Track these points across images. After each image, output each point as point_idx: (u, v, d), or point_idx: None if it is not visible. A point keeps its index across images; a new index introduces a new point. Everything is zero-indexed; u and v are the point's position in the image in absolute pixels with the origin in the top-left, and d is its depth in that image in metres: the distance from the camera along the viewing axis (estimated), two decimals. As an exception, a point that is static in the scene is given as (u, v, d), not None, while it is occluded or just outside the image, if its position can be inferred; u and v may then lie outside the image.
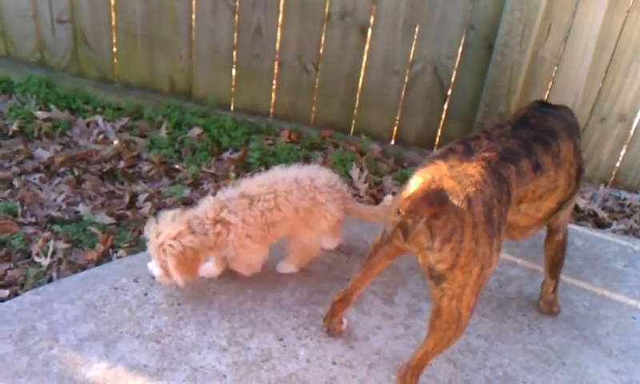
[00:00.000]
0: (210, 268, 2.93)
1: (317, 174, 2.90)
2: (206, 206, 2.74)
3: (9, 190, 3.41)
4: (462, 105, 3.87)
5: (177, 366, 2.55)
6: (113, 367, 2.52)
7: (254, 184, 2.80)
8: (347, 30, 3.76)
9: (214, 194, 2.81)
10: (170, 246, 2.61)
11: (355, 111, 4.02)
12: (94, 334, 2.60)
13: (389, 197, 3.16)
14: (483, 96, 3.76)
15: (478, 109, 3.80)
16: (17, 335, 2.55)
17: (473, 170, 2.12)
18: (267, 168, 3.72)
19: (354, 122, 4.06)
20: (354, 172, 3.79)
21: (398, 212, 2.00)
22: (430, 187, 2.05)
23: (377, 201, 3.64)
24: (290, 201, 2.77)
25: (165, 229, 2.65)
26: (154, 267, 2.73)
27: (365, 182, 3.74)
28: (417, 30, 3.71)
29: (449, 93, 3.87)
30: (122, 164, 3.67)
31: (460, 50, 3.74)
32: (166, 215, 2.71)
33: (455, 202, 2.03)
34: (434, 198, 2.02)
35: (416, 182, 2.10)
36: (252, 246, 2.77)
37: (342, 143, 4.00)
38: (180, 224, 2.66)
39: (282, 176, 2.85)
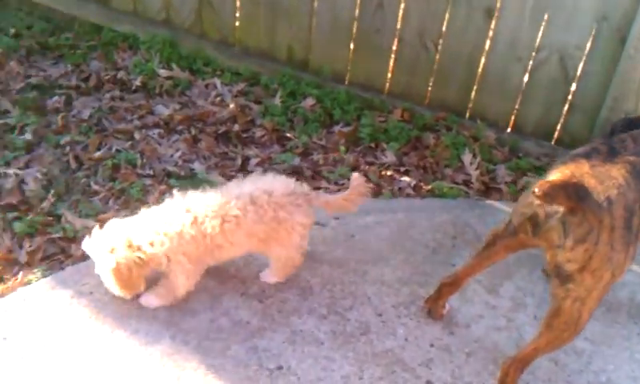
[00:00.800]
0: (148, 299, 2.64)
1: (272, 186, 2.60)
2: (150, 216, 2.53)
3: (130, 142, 3.56)
4: (587, 98, 3.68)
5: (277, 327, 2.60)
6: (216, 320, 2.60)
7: (202, 201, 2.53)
8: (472, 11, 3.65)
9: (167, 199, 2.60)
10: (105, 260, 2.46)
11: (472, 95, 3.91)
12: (203, 287, 2.68)
13: (356, 174, 2.79)
14: (610, 91, 3.56)
15: (604, 104, 3.60)
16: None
17: (617, 172, 2.00)
18: (377, 145, 3.72)
19: (470, 106, 3.95)
20: (467, 157, 3.70)
21: (534, 192, 1.91)
22: (571, 180, 1.96)
23: (487, 189, 3.55)
24: (242, 226, 2.52)
25: (105, 239, 2.47)
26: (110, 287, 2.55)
27: (477, 169, 3.64)
28: (545, 16, 3.55)
29: (573, 84, 3.68)
30: (236, 127, 3.75)
31: (590, 40, 3.55)
32: (112, 223, 2.53)
33: (595, 201, 1.93)
34: (573, 192, 1.92)
35: (555, 176, 2.02)
36: (184, 266, 2.52)
37: (455, 127, 3.91)
38: (117, 237, 2.46)
39: (235, 194, 2.55)
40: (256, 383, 2.40)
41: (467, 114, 3.97)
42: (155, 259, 2.48)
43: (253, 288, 2.75)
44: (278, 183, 2.62)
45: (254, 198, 2.52)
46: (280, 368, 2.45)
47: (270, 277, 2.78)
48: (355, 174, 2.78)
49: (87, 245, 2.49)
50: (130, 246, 2.44)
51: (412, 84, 3.99)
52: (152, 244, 2.45)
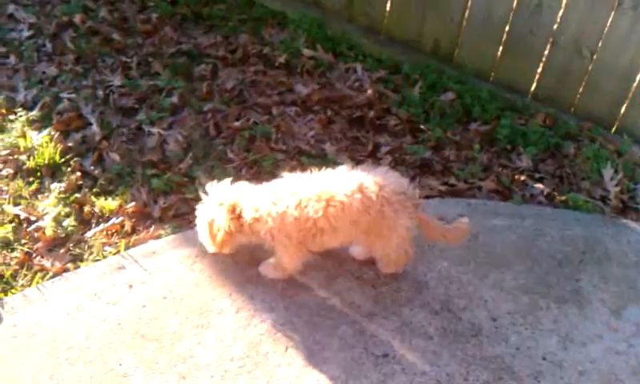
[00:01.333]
0: (264, 268, 2.74)
1: (385, 181, 2.51)
2: (264, 192, 2.56)
3: (267, 117, 3.67)
4: None
5: (388, 315, 2.59)
6: (329, 299, 2.63)
7: (309, 184, 2.51)
8: (637, 22, 3.40)
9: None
10: (205, 210, 2.59)
11: (623, 109, 3.66)
12: (321, 265, 2.74)
13: (465, 219, 2.66)
14: None
15: None
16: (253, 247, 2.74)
17: None
18: (514, 148, 3.59)
19: (618, 119, 3.70)
20: (607, 172, 3.47)
21: None
22: None
23: (625, 208, 3.32)
24: (347, 213, 2.47)
25: (218, 193, 2.58)
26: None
27: (616, 185, 3.41)
28: None
29: None
30: (371, 114, 3.75)
31: None
32: (235, 184, 2.62)
33: None
34: None
35: None
36: (288, 246, 2.54)
37: (600, 139, 3.68)
38: (228, 197, 2.55)
39: (345, 180, 2.51)
40: (360, 366, 2.40)
41: (614, 128, 3.73)
42: (248, 233, 2.54)
43: (369, 273, 2.75)
44: (391, 179, 2.56)
45: (362, 187, 2.48)
46: (386, 356, 2.44)
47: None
48: (464, 219, 2.67)
49: (208, 190, 2.61)
50: (232, 211, 2.52)
51: (559, 90, 3.79)
52: (255, 219, 2.50)
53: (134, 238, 2.91)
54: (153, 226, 2.97)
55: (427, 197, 3.21)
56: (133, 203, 3.07)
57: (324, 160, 3.37)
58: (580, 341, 2.58)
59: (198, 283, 2.66)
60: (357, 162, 3.38)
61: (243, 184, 2.62)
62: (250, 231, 2.54)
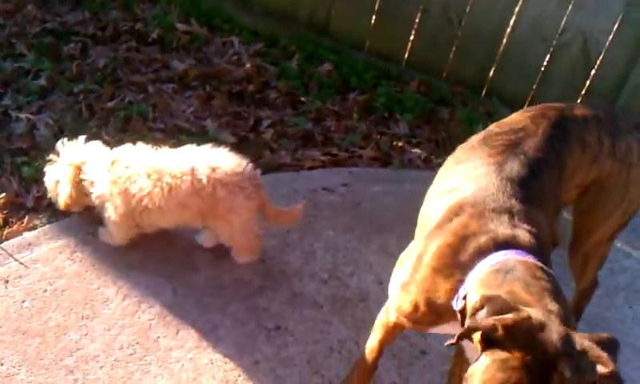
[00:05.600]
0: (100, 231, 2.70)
1: (220, 162, 2.47)
2: (112, 156, 2.55)
3: (143, 95, 3.55)
4: (607, 84, 3.62)
5: (278, 288, 2.62)
6: (218, 277, 2.62)
7: (145, 160, 2.49)
8: (501, -13, 3.58)
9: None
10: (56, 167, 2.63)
11: (491, 72, 3.85)
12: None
13: (299, 206, 2.64)
14: (631, 78, 3.51)
15: (623, 90, 3.56)
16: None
17: None
18: (391, 115, 3.69)
19: (488, 82, 3.90)
20: (479, 134, 3.66)
21: None
22: None
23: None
24: (174, 196, 2.42)
25: (70, 153, 2.61)
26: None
27: (489, 147, 3.60)
28: (575, -3, 3.48)
29: (594, 69, 3.62)
30: (250, 88, 3.72)
31: (616, 25, 3.48)
32: (89, 144, 2.65)
33: None
34: None
35: None
36: (114, 216, 2.52)
37: (471, 103, 3.87)
38: (76, 157, 2.59)
39: (179, 159, 2.47)
40: (253, 341, 2.42)
41: (484, 91, 3.92)
42: (87, 196, 2.58)
43: (256, 248, 2.76)
44: (228, 160, 2.49)
45: (194, 169, 2.42)
46: (278, 328, 2.47)
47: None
48: (299, 205, 2.64)
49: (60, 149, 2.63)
50: (76, 174, 2.56)
51: (431, 56, 3.93)
52: (90, 183, 2.55)
53: (6, 230, 2.74)
54: (27, 217, 2.81)
55: (310, 168, 3.25)
56: (3, 194, 2.88)
57: (205, 137, 3.31)
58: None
59: (79, 273, 2.56)
60: (239, 138, 3.36)
61: (96, 145, 2.63)
62: (86, 194, 2.57)
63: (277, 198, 2.98)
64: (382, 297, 2.63)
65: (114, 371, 2.27)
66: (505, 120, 2.16)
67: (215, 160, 2.46)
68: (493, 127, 2.13)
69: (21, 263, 2.57)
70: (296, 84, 3.80)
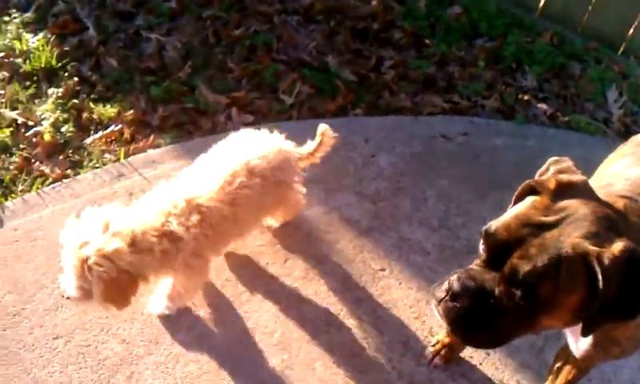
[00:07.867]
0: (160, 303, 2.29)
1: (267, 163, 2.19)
2: (147, 212, 2.02)
3: (268, 25, 3.57)
4: None
5: (386, 231, 2.61)
6: (328, 213, 2.64)
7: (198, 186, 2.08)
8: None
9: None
10: (99, 265, 1.85)
11: (632, 30, 3.58)
12: (317, 179, 2.71)
13: (323, 126, 2.41)
14: None
15: None
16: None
17: None
18: (519, 66, 3.52)
19: (626, 41, 3.63)
20: (612, 94, 3.43)
21: None
22: None
23: (627, 131, 3.29)
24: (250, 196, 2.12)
25: (94, 237, 1.89)
26: (67, 284, 1.95)
27: (620, 108, 3.38)
28: None
29: None
30: (375, 26, 3.65)
31: None
32: (96, 215, 1.96)
33: None
34: None
35: None
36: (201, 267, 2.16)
37: (606, 60, 3.62)
38: (119, 236, 1.90)
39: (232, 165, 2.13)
40: (358, 279, 2.44)
41: (621, 49, 3.65)
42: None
43: (369, 189, 2.75)
44: (274, 154, 2.24)
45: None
46: (383, 270, 2.48)
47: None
48: (323, 126, 2.41)
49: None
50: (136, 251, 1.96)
51: (568, 8, 3.69)
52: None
53: (133, 146, 2.89)
54: (152, 135, 2.94)
55: (429, 114, 3.18)
56: (132, 111, 3.02)
57: (326, 73, 3.31)
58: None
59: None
60: (359, 77, 3.32)
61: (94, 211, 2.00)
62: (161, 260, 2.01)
63: (393, 141, 2.96)
64: (493, 252, 2.58)
65: (225, 290, 2.37)
66: None
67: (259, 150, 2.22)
68: None
69: (145, 178, 2.70)
70: (422, 25, 3.69)
